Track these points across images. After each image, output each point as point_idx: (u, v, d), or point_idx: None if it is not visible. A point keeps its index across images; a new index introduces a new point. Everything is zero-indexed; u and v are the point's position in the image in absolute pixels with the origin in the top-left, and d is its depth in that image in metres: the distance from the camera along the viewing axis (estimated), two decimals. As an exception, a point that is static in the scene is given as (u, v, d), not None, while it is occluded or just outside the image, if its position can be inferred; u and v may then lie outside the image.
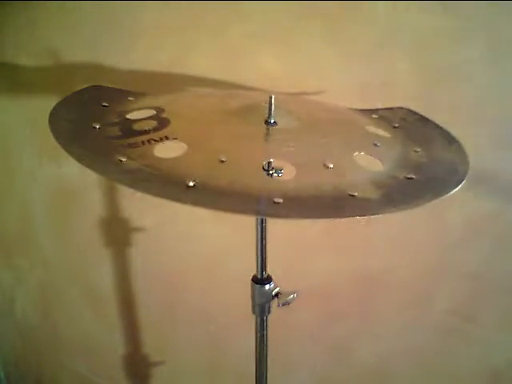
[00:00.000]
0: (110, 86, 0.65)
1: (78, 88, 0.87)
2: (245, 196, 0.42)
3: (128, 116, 0.56)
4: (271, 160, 0.48)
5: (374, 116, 0.68)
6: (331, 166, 0.48)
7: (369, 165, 0.50)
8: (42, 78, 0.89)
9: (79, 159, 0.44)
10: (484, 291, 0.94)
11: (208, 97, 0.70)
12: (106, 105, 0.59)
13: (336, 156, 0.51)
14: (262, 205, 0.42)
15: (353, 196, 0.43)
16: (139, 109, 0.58)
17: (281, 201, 0.41)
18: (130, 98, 0.63)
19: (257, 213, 0.46)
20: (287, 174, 0.46)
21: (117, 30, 0.83)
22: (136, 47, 0.83)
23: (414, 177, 0.49)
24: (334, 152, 0.53)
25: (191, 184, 0.41)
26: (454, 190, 0.46)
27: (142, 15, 0.81)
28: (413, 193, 0.47)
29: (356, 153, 0.52)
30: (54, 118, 0.52)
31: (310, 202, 0.43)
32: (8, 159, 1.01)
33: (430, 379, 1.06)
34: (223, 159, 0.46)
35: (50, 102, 0.88)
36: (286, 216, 0.42)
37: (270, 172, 0.48)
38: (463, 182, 0.48)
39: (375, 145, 0.56)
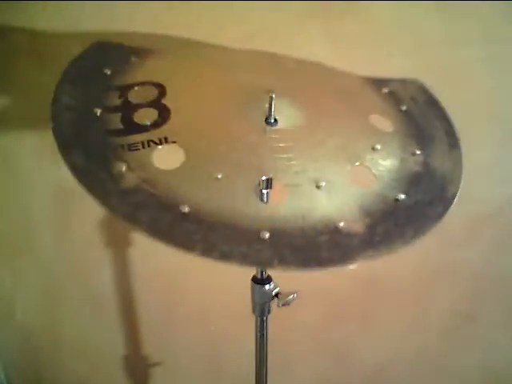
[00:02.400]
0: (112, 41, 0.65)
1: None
2: (232, 229, 0.44)
3: (129, 98, 0.56)
4: (263, 178, 0.48)
5: (384, 90, 0.67)
6: (323, 184, 0.49)
7: (362, 181, 0.52)
8: (41, 78, 0.89)
9: (78, 178, 0.47)
10: (484, 291, 0.94)
11: (210, 72, 0.68)
12: (109, 73, 0.58)
13: (330, 172, 0.52)
14: (246, 245, 0.43)
15: (338, 229, 0.44)
16: (140, 84, 0.58)
17: (267, 236, 0.42)
18: (133, 59, 0.62)
19: (239, 260, 0.44)
20: (279, 195, 0.47)
21: (116, 29, 0.83)
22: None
23: (403, 197, 0.50)
24: (329, 167, 0.53)
25: (185, 211, 0.43)
26: (436, 224, 0.48)
27: (140, 15, 0.81)
28: (395, 229, 0.48)
29: (349, 167, 0.53)
30: (56, 104, 0.53)
31: (295, 242, 0.44)
32: (8, 159, 1.01)
33: (431, 380, 1.06)
34: (218, 176, 0.47)
35: (49, 102, 0.88)
36: (269, 266, 0.43)
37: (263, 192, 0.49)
38: (446, 213, 0.50)
39: (374, 149, 0.56)
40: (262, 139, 0.54)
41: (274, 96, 0.53)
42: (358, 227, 0.46)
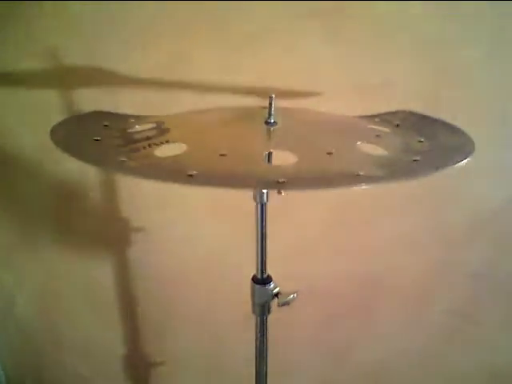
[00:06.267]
0: (111, 111, 0.66)
1: (78, 89, 0.87)
2: (247, 178, 0.42)
3: (129, 130, 0.57)
4: (271, 151, 0.48)
5: (376, 120, 0.68)
6: (333, 151, 0.47)
7: (373, 151, 0.50)
8: (41, 78, 0.89)
9: (84, 159, 0.44)
10: (484, 291, 0.94)
11: (208, 112, 0.70)
12: (107, 124, 0.59)
13: (338, 145, 0.51)
14: (265, 182, 0.42)
15: (358, 175, 0.42)
16: (140, 124, 0.59)
17: (285, 180, 0.40)
18: (131, 120, 0.63)
19: (261, 186, 0.45)
20: (289, 160, 0.45)
21: (116, 29, 0.83)
22: (135, 47, 0.83)
23: (419, 158, 0.48)
24: (337, 142, 0.53)
25: (192, 173, 0.41)
26: (463, 162, 0.45)
27: (140, 15, 0.81)
28: (418, 168, 0.46)
29: (359, 142, 0.52)
30: (55, 134, 0.52)
31: (313, 180, 0.43)
32: (8, 159, 1.01)
33: (431, 380, 1.06)
34: (224, 153, 0.46)
35: (49, 102, 0.88)
36: (290, 188, 0.41)
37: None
38: (470, 156, 0.47)
39: (378, 136, 0.56)
40: (264, 131, 0.54)
41: (273, 96, 0.53)
42: (379, 173, 0.44)
